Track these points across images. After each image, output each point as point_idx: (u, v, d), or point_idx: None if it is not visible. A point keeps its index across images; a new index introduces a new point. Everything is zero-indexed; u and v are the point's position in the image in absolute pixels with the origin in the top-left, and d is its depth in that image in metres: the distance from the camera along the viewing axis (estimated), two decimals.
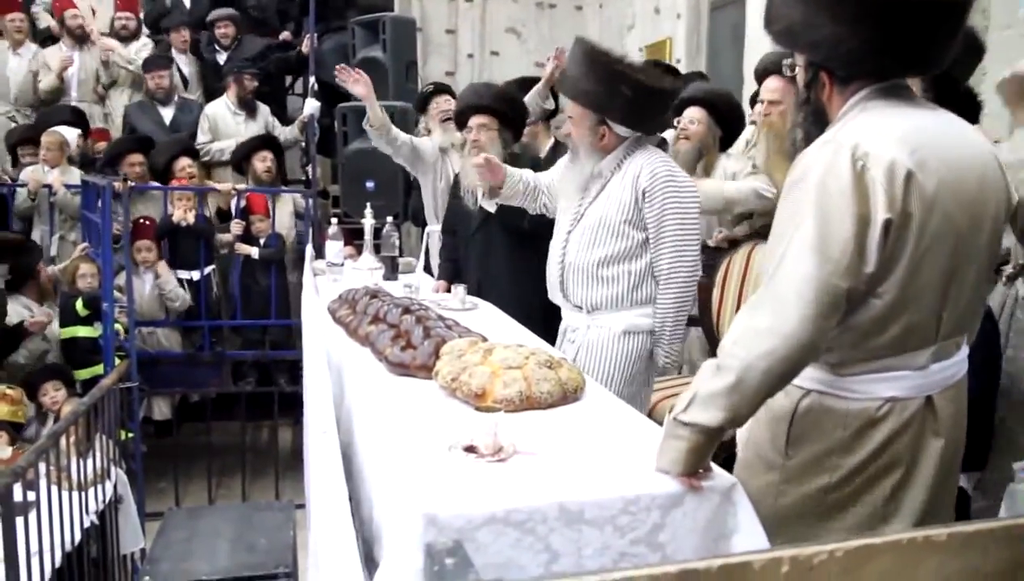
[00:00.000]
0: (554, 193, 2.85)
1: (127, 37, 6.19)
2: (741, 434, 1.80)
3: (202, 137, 5.85)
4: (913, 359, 1.54)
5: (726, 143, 3.58)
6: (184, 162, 5.50)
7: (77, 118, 5.67)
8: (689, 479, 1.46)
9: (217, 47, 6.29)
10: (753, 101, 3.85)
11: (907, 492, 1.59)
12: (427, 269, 4.18)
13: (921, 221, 1.44)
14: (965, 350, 1.66)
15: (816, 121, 1.62)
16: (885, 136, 1.46)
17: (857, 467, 1.58)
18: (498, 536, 1.35)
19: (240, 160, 5.63)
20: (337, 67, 4.09)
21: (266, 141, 5.68)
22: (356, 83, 3.97)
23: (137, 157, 5.39)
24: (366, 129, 4.04)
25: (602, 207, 2.58)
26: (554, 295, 2.75)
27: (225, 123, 5.88)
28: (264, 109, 6.02)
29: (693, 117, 3.44)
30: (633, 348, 2.60)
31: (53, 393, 4.28)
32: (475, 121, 3.47)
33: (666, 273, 2.55)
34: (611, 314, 2.60)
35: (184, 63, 6.29)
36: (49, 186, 5.23)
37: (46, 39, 6.25)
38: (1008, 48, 2.72)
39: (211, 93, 6.24)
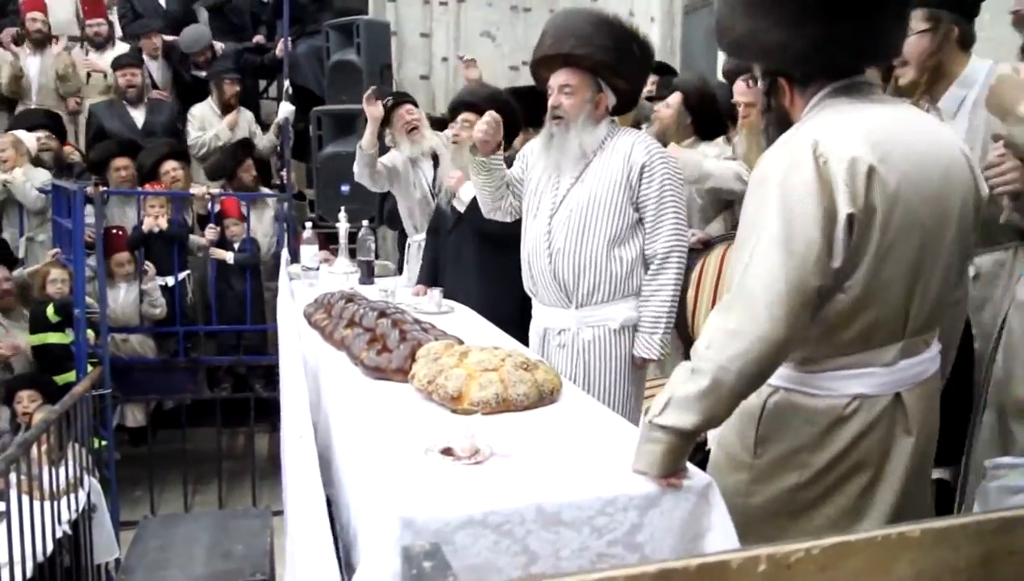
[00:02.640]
0: (518, 191, 2.79)
1: (101, 44, 6.12)
2: (712, 433, 1.80)
3: (194, 133, 5.86)
4: (880, 355, 1.55)
5: (706, 131, 3.61)
6: (170, 165, 5.46)
7: (51, 121, 5.58)
8: (667, 480, 1.46)
9: (194, 68, 6.30)
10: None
11: (878, 490, 1.59)
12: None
13: (884, 216, 1.45)
14: (936, 347, 1.67)
15: (780, 127, 1.63)
16: (845, 132, 1.47)
17: (826, 465, 1.58)
18: (476, 539, 1.35)
19: (228, 170, 5.62)
20: (370, 91, 3.95)
21: (246, 147, 5.66)
22: (374, 107, 3.88)
23: (123, 161, 5.36)
24: (358, 151, 3.93)
25: (589, 187, 2.52)
26: (538, 289, 2.64)
27: (210, 124, 5.91)
28: (246, 113, 6.05)
29: (669, 101, 3.53)
30: (630, 345, 2.55)
31: (27, 403, 4.21)
32: (461, 117, 3.45)
33: (663, 255, 2.49)
34: (602, 308, 2.53)
35: (155, 69, 6.25)
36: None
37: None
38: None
39: (184, 100, 6.21)
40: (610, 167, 2.51)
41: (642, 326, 2.53)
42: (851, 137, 1.46)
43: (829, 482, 1.58)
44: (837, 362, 1.55)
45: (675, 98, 3.55)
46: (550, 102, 2.58)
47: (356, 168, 3.93)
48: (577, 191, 2.54)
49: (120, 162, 5.35)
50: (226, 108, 5.88)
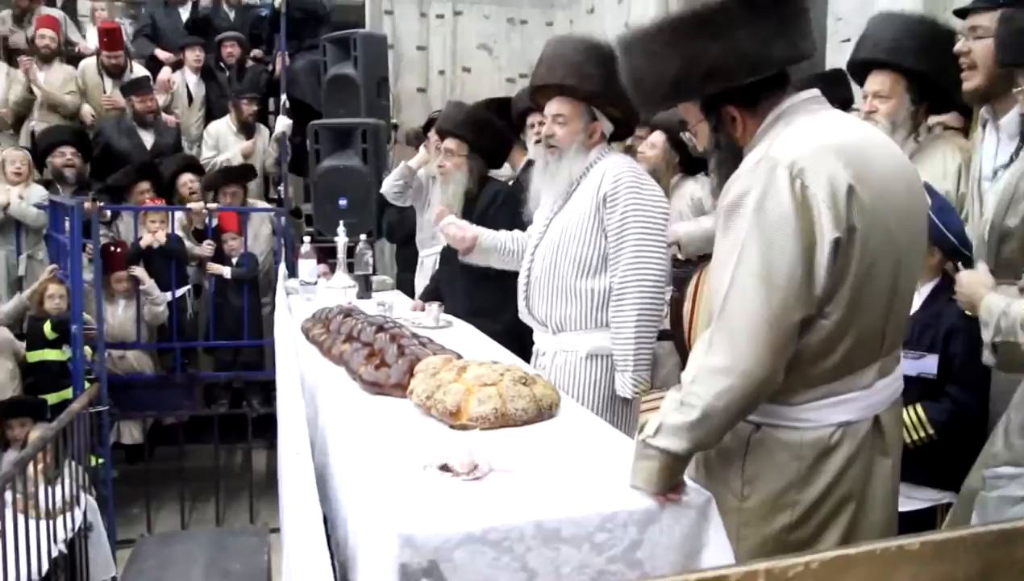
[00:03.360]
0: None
1: (116, 74, 6.14)
2: (698, 475, 1.72)
3: (207, 153, 5.95)
4: (860, 379, 1.51)
5: (691, 166, 3.60)
6: (187, 177, 5.52)
7: (79, 139, 5.59)
8: (664, 496, 1.45)
9: (223, 65, 6.42)
10: None
11: (865, 517, 1.55)
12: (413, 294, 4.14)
13: (864, 236, 1.41)
14: (902, 364, 1.65)
15: (733, 161, 1.55)
16: (820, 150, 1.42)
17: (816, 501, 1.52)
18: (475, 555, 1.34)
19: (214, 188, 5.65)
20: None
21: (228, 176, 5.68)
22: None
23: (145, 185, 5.39)
24: (402, 165, 4.03)
25: (565, 217, 2.52)
26: (522, 314, 2.67)
27: (226, 142, 5.99)
28: (265, 131, 6.17)
29: (653, 141, 3.46)
30: (600, 373, 2.49)
31: (19, 429, 4.17)
32: (444, 145, 3.44)
33: (619, 286, 2.41)
34: (576, 335, 2.52)
35: (194, 84, 6.35)
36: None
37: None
38: None
39: (212, 112, 6.33)
40: (585, 196, 2.49)
41: (615, 363, 2.47)
42: (826, 155, 1.41)
43: (820, 518, 1.53)
44: (819, 391, 1.50)
45: (658, 137, 3.51)
46: (544, 131, 2.59)
47: (390, 180, 4.02)
48: (557, 220, 2.55)
49: (143, 186, 5.39)
50: (243, 127, 5.99)
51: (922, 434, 2.21)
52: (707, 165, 3.57)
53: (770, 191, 1.39)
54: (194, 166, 5.69)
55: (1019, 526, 1.01)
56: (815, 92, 1.57)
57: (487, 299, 3.03)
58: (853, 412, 1.52)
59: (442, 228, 2.93)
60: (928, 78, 2.43)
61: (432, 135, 4.03)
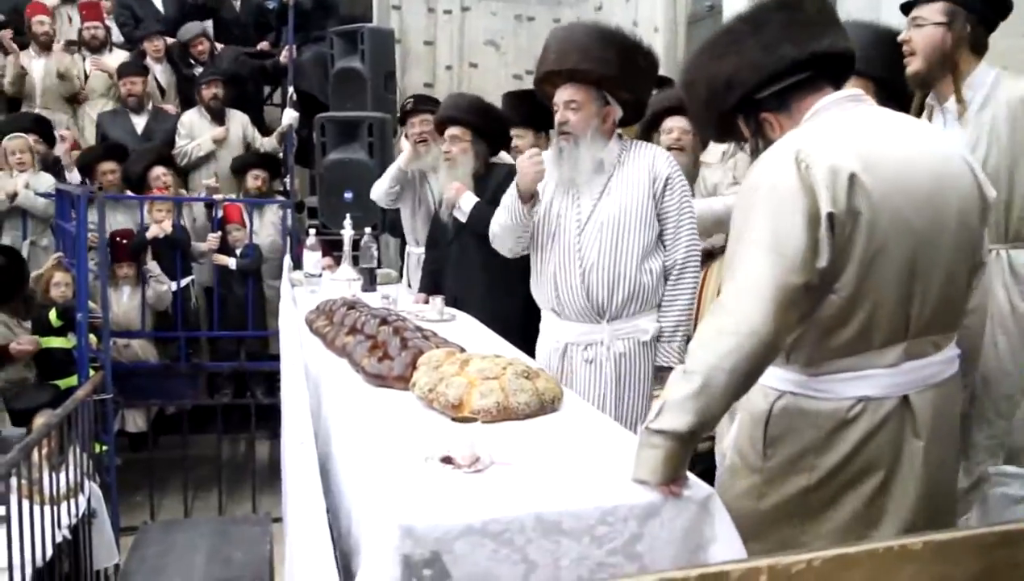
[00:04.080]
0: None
1: (97, 47, 6.15)
2: (727, 440, 1.81)
3: (180, 142, 5.87)
4: (881, 357, 1.57)
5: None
6: (159, 171, 5.48)
7: (39, 126, 5.60)
8: (667, 487, 1.45)
9: (193, 61, 6.34)
10: None
11: (890, 494, 1.59)
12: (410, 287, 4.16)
13: (870, 220, 1.48)
14: (951, 351, 1.66)
15: None
16: (828, 140, 1.52)
17: (834, 468, 1.59)
18: (475, 547, 1.35)
19: (236, 172, 5.67)
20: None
21: (261, 159, 5.73)
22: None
23: (109, 165, 5.37)
24: (393, 169, 4.00)
25: (618, 201, 2.53)
26: (564, 306, 2.60)
27: (200, 130, 5.91)
28: (240, 116, 6.03)
29: (683, 127, 3.27)
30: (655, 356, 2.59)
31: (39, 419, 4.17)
32: (448, 133, 3.45)
33: (681, 264, 2.55)
34: (635, 320, 2.56)
35: (160, 72, 6.29)
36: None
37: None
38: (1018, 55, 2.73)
39: (188, 104, 6.23)
40: (636, 180, 2.53)
41: (662, 334, 2.57)
42: (833, 145, 1.51)
43: (838, 485, 1.60)
44: (838, 364, 1.57)
45: (685, 122, 3.43)
46: (557, 118, 2.58)
47: (384, 188, 3.97)
48: (605, 205, 2.54)
49: (107, 166, 5.36)
50: (212, 112, 5.88)
51: None
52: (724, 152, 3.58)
53: (779, 173, 1.51)
54: (166, 159, 5.62)
55: (1021, 527, 1.01)
56: (855, 91, 1.66)
57: (502, 275, 3.02)
58: (874, 388, 1.57)
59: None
60: (894, 84, 2.51)
61: (410, 127, 3.99)
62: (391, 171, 3.99)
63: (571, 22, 2.64)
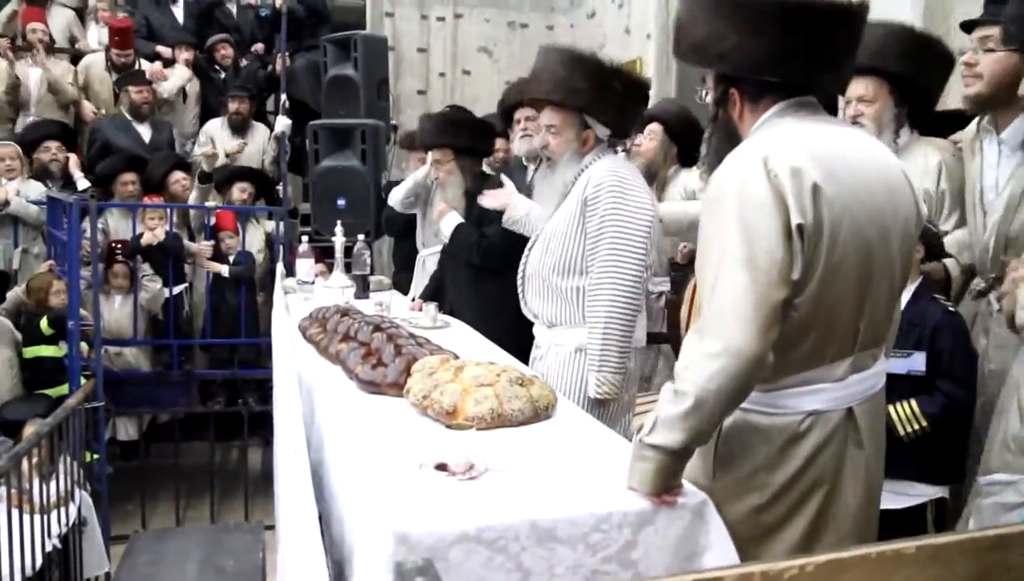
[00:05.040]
0: None
1: (123, 71, 6.14)
2: None
3: (199, 149, 5.91)
4: (832, 371, 1.56)
5: (687, 158, 3.61)
6: (179, 175, 5.53)
7: (64, 133, 5.58)
8: (660, 497, 1.46)
9: (218, 67, 6.42)
10: None
11: (835, 506, 1.59)
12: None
13: (832, 232, 1.47)
14: (883, 362, 1.69)
15: (727, 138, 1.65)
16: (792, 149, 1.49)
17: (785, 484, 1.57)
18: (469, 554, 1.34)
19: (220, 186, 5.66)
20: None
21: (247, 172, 5.71)
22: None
23: (130, 176, 5.38)
24: (410, 180, 3.99)
25: (556, 219, 2.58)
26: (523, 308, 2.71)
27: (221, 141, 5.96)
28: (263, 130, 6.15)
29: (651, 131, 3.49)
30: (585, 370, 2.49)
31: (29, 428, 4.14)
32: (431, 158, 3.53)
33: (594, 286, 2.43)
34: (565, 331, 2.56)
35: (181, 76, 6.28)
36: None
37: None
38: None
39: (210, 111, 6.31)
40: (572, 199, 2.54)
41: (590, 363, 2.46)
42: (797, 154, 1.48)
43: (789, 502, 1.58)
44: (791, 380, 1.56)
45: (656, 128, 3.52)
46: (538, 141, 2.65)
47: (401, 195, 3.98)
48: (553, 220, 2.60)
49: (127, 177, 5.38)
50: (234, 125, 5.99)
51: (916, 427, 2.26)
52: (701, 157, 3.62)
53: (748, 181, 1.47)
54: (184, 165, 5.68)
55: (1014, 531, 1.01)
56: (810, 99, 1.62)
57: (491, 293, 3.05)
58: (823, 402, 1.57)
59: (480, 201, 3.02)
60: (910, 81, 2.50)
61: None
62: (412, 182, 4.00)
63: (551, 47, 2.64)
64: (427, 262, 4.05)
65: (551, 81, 2.51)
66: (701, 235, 1.56)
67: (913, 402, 2.26)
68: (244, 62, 6.56)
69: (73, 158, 5.55)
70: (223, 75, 6.41)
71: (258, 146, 6.10)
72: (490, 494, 1.48)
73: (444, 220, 3.36)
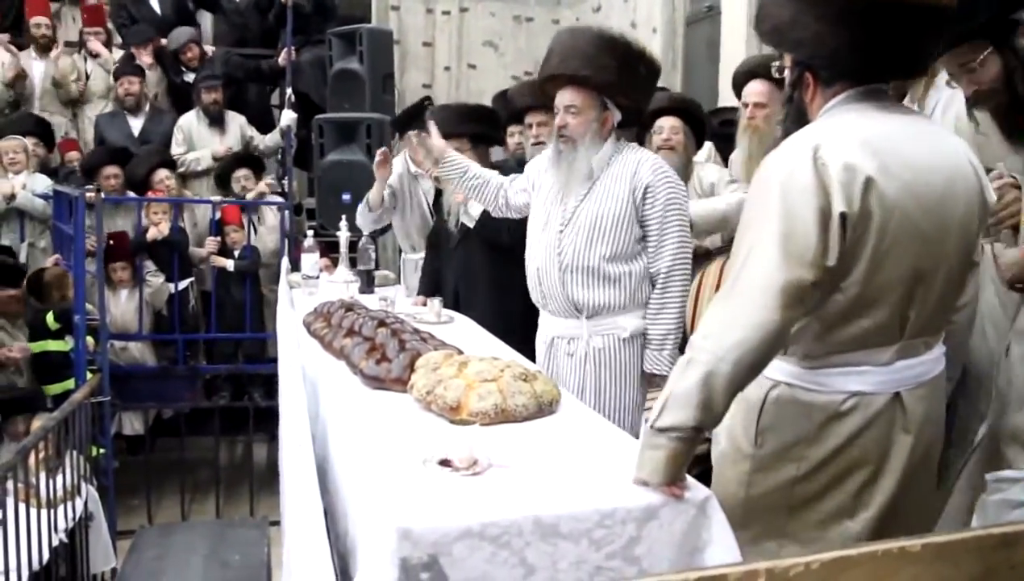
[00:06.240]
0: (515, 195, 2.83)
1: (98, 52, 6.14)
2: (720, 426, 1.81)
3: (176, 148, 5.83)
4: (877, 355, 1.59)
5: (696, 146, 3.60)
6: (162, 174, 5.48)
7: (40, 128, 5.60)
8: (670, 488, 1.45)
9: (184, 68, 6.28)
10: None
11: (876, 488, 1.61)
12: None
13: (881, 222, 1.49)
14: (939, 349, 1.69)
15: (797, 120, 1.67)
16: (847, 139, 1.51)
17: (823, 460, 1.61)
18: (473, 550, 1.34)
19: (221, 176, 5.63)
20: (381, 152, 3.74)
21: (243, 159, 5.68)
22: (384, 169, 3.70)
23: (113, 169, 5.35)
24: (363, 206, 3.80)
25: (597, 205, 2.54)
26: (547, 300, 2.65)
27: (199, 134, 5.89)
28: (237, 118, 6.01)
29: (674, 126, 3.34)
30: (639, 353, 2.58)
31: (21, 424, 4.14)
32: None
33: (666, 273, 2.53)
34: (613, 317, 2.56)
35: (150, 77, 6.21)
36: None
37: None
38: None
39: (181, 109, 6.20)
40: (617, 185, 2.53)
41: (651, 342, 2.56)
42: (851, 145, 1.49)
43: (826, 477, 1.62)
44: (835, 359, 1.59)
45: (678, 122, 3.44)
46: (556, 121, 2.60)
47: (360, 219, 3.84)
48: (586, 207, 2.56)
49: (110, 170, 5.34)
50: (209, 115, 5.85)
51: None
52: (717, 147, 3.59)
53: (795, 169, 1.50)
54: (170, 163, 5.63)
55: (1020, 529, 1.01)
56: (881, 87, 1.64)
57: (508, 277, 3.03)
58: (867, 385, 1.59)
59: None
60: None
61: (379, 170, 3.76)
62: (362, 211, 3.79)
63: (574, 26, 2.64)
64: (417, 265, 4.00)
65: (579, 58, 2.50)
66: (744, 214, 1.59)
67: None
68: (210, 51, 6.34)
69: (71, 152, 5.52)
70: (191, 76, 6.19)
71: (236, 136, 5.93)
72: (494, 490, 1.47)
73: (471, 204, 3.26)
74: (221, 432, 5.24)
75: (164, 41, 6.27)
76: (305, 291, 3.71)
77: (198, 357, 5.50)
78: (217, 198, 5.54)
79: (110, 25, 6.39)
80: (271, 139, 6.06)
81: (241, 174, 5.57)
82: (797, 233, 1.46)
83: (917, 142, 1.57)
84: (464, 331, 2.90)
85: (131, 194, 5.42)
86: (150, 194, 5.41)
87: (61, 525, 3.54)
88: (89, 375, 4.46)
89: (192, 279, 5.45)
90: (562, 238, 2.59)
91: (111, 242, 5.05)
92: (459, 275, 3.43)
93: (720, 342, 1.44)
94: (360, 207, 3.82)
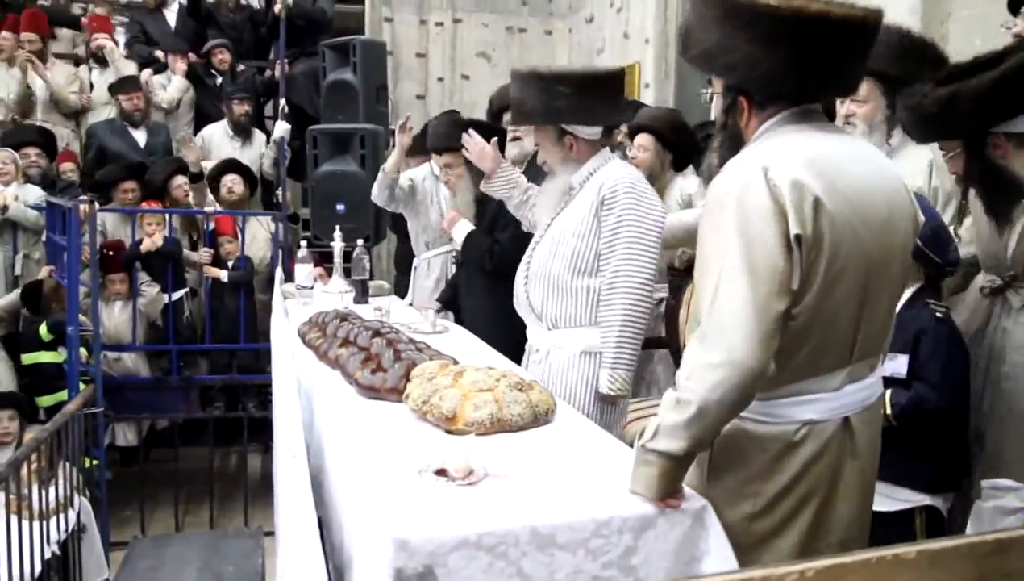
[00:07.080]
0: (530, 211, 2.88)
1: (104, 59, 6.15)
2: None
3: (191, 156, 5.89)
4: (828, 381, 1.56)
5: (682, 163, 3.63)
6: (180, 180, 5.55)
7: (44, 139, 5.60)
8: (664, 502, 1.46)
9: (215, 72, 6.40)
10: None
11: (830, 516, 1.59)
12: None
13: (832, 244, 1.46)
14: (879, 372, 1.69)
15: (732, 147, 1.64)
16: (793, 160, 1.47)
17: (779, 493, 1.57)
18: (469, 560, 1.34)
19: (211, 182, 5.65)
20: (404, 120, 3.83)
21: (233, 165, 5.69)
22: (404, 136, 3.76)
23: (131, 184, 5.39)
24: (380, 173, 3.86)
25: (565, 219, 2.58)
26: (519, 307, 2.71)
27: (219, 146, 5.97)
28: (261, 136, 6.13)
29: (640, 143, 3.54)
30: (591, 371, 2.52)
31: (7, 423, 4.15)
32: (442, 162, 3.56)
33: (608, 287, 2.46)
34: (570, 332, 2.56)
35: (179, 87, 6.28)
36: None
37: None
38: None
39: (204, 117, 6.29)
40: (587, 197, 2.55)
41: (604, 361, 2.50)
42: (798, 166, 1.46)
43: (782, 512, 1.57)
44: (787, 389, 1.55)
45: (646, 140, 3.56)
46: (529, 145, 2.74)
47: (376, 189, 3.91)
48: (559, 221, 2.61)
49: (128, 185, 5.38)
50: (237, 129, 5.98)
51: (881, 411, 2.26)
52: (694, 162, 3.66)
53: (748, 192, 1.46)
54: (185, 169, 5.69)
55: (1014, 536, 1.01)
56: (815, 107, 1.62)
57: (506, 301, 3.04)
58: (819, 412, 1.57)
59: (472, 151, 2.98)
60: (904, 83, 2.50)
61: (398, 136, 3.85)
62: (380, 177, 3.91)
63: (513, 72, 2.65)
64: (429, 264, 4.03)
65: (512, 108, 2.65)
66: (700, 243, 1.55)
67: (887, 391, 2.26)
68: (240, 67, 6.52)
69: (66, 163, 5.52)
70: (219, 80, 6.38)
71: (256, 153, 6.06)
72: (490, 499, 1.48)
73: (455, 228, 3.35)
74: (215, 443, 5.21)
75: (193, 57, 6.36)
76: (299, 301, 3.70)
77: (191, 368, 5.48)
78: (211, 209, 5.53)
79: (117, 36, 6.41)
80: (267, 156, 6.12)
81: (228, 179, 5.58)
82: (760, 261, 1.42)
83: (857, 163, 1.56)
84: (459, 341, 2.90)
85: (148, 204, 5.43)
86: (167, 201, 5.45)
87: (54, 537, 3.52)
88: (82, 386, 4.44)
89: (187, 290, 5.43)
90: (534, 251, 2.65)
91: (107, 252, 5.04)
92: (465, 291, 3.49)
93: (703, 383, 1.42)
94: (379, 176, 3.88)
